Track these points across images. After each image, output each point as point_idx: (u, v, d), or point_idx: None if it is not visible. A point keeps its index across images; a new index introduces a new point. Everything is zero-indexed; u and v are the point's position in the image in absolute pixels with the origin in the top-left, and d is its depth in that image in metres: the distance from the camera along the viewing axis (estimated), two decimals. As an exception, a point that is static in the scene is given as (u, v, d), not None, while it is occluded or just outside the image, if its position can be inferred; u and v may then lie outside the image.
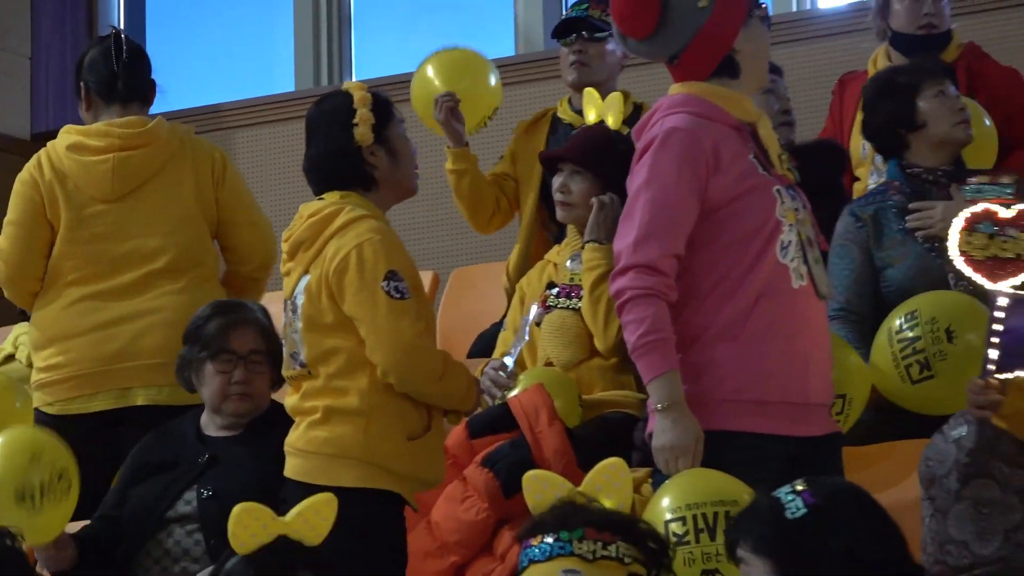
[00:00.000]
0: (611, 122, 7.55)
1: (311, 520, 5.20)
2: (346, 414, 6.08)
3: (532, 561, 4.75)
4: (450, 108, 7.81)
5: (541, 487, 5.01)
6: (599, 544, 4.69)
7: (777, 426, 5.44)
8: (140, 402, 7.42)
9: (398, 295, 5.99)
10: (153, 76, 8.06)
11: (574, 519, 4.75)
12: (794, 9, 9.94)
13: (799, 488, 4.47)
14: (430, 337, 6.18)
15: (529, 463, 6.47)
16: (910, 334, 6.37)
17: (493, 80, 7.62)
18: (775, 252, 5.47)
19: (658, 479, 5.55)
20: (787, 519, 4.39)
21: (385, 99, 6.37)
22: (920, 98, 6.90)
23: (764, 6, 5.74)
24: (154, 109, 10.21)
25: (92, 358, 7.54)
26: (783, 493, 4.47)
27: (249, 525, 5.07)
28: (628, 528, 4.79)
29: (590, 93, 7.73)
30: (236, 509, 5.10)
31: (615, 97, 7.61)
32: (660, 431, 5.27)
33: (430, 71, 7.51)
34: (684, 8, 5.55)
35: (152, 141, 7.69)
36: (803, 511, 4.40)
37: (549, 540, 4.72)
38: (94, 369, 7.53)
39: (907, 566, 4.50)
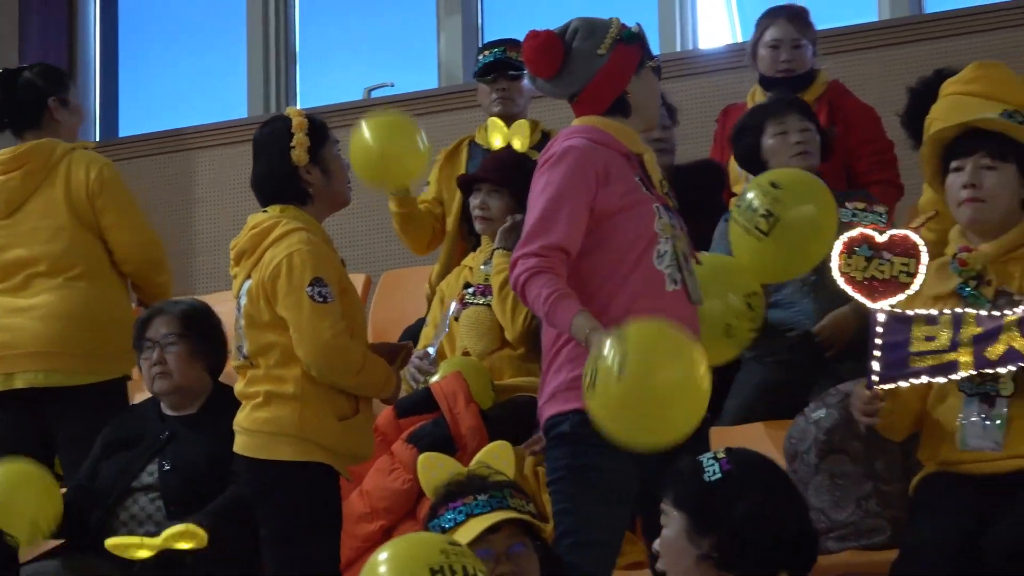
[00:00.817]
0: (517, 146, 7.63)
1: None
2: (283, 398, 6.07)
3: (470, 515, 4.72)
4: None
5: (436, 467, 5.06)
6: (523, 501, 4.76)
7: None
8: (19, 385, 7.40)
9: (320, 299, 5.98)
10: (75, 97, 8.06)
11: (492, 484, 4.78)
12: (678, 49, 9.94)
13: (719, 455, 4.46)
14: (351, 336, 6.17)
15: (448, 440, 6.54)
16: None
17: (422, 145, 7.57)
18: (652, 259, 5.48)
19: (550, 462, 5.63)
20: (704, 480, 4.38)
21: (320, 123, 6.36)
22: (764, 136, 6.95)
23: (656, 58, 5.80)
24: (128, 130, 10.23)
25: None
26: (705, 458, 4.46)
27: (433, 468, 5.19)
28: (526, 496, 4.85)
29: (494, 123, 7.82)
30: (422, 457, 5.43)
31: (521, 124, 7.68)
32: (596, 347, 5.10)
33: (367, 133, 7.44)
34: (584, 55, 5.58)
35: (23, 164, 7.62)
36: (719, 475, 4.39)
37: (484, 497, 4.72)
38: None
39: (804, 531, 4.53)
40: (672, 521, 4.42)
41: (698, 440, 5.24)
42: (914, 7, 9.61)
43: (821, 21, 8.85)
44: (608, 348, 4.86)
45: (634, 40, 5.65)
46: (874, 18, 9.93)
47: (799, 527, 4.48)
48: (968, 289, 5.50)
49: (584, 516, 5.49)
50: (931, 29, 8.79)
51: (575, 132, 5.66)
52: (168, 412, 6.92)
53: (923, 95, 6.87)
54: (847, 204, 6.53)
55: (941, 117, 6.53)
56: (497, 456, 5.10)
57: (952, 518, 5.34)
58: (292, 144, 6.20)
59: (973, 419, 5.43)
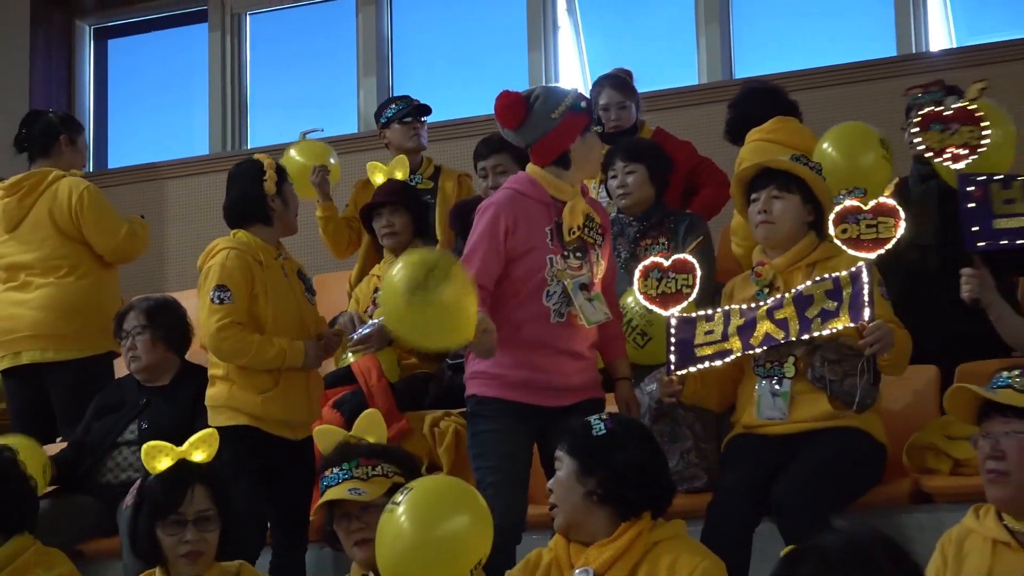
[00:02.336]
0: (399, 176, 7.67)
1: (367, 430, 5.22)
2: (219, 379, 6.14)
3: (328, 487, 4.80)
4: (323, 176, 7.88)
5: (327, 436, 5.06)
6: (369, 467, 4.77)
7: (525, 397, 5.52)
8: (25, 361, 7.44)
9: (217, 301, 6.03)
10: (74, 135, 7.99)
11: (351, 453, 4.83)
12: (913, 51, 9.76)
13: (604, 417, 4.59)
14: (258, 329, 6.12)
15: (364, 405, 6.54)
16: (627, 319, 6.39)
17: (333, 160, 7.62)
18: (542, 297, 5.51)
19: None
20: (593, 435, 4.48)
21: (282, 167, 6.45)
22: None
23: (601, 127, 5.82)
24: (116, 162, 10.12)
25: None
26: (593, 419, 4.58)
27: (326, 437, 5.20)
28: (388, 454, 4.88)
29: (373, 165, 7.78)
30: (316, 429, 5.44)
31: (401, 159, 7.71)
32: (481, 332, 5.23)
33: (294, 152, 7.48)
34: (541, 115, 5.55)
35: (20, 190, 7.65)
36: (603, 431, 4.49)
37: (336, 470, 4.79)
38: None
39: (665, 479, 4.61)
40: (564, 465, 4.51)
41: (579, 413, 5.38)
42: (726, 73, 9.64)
43: (652, 84, 8.92)
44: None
45: (582, 111, 5.64)
46: (695, 81, 10.00)
47: (661, 475, 4.59)
48: (763, 294, 5.59)
49: (488, 467, 5.56)
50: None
51: (513, 181, 5.77)
52: (146, 384, 6.94)
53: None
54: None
55: (747, 159, 6.60)
56: (369, 423, 5.08)
57: (750, 469, 5.43)
58: (264, 177, 6.23)
59: (765, 394, 5.53)
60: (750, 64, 7.95)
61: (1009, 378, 4.10)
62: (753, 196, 5.74)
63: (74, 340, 7.50)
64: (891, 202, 5.33)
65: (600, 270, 5.66)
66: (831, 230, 5.37)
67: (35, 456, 6.51)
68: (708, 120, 8.06)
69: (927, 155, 5.42)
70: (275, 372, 6.16)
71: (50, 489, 6.74)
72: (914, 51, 9.61)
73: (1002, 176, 5.26)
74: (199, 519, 5.12)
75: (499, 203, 5.61)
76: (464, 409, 5.89)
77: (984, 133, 5.25)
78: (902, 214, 5.29)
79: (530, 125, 5.58)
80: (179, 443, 5.56)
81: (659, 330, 6.08)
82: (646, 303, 5.73)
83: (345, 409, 6.67)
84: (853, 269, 5.30)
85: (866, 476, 5.53)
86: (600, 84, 7.97)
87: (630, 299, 6.30)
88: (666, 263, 5.70)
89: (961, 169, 5.29)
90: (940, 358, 6.00)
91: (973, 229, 5.22)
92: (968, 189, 5.23)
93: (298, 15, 11.36)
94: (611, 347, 5.79)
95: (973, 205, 5.21)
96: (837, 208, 5.38)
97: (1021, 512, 4.07)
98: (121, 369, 7.32)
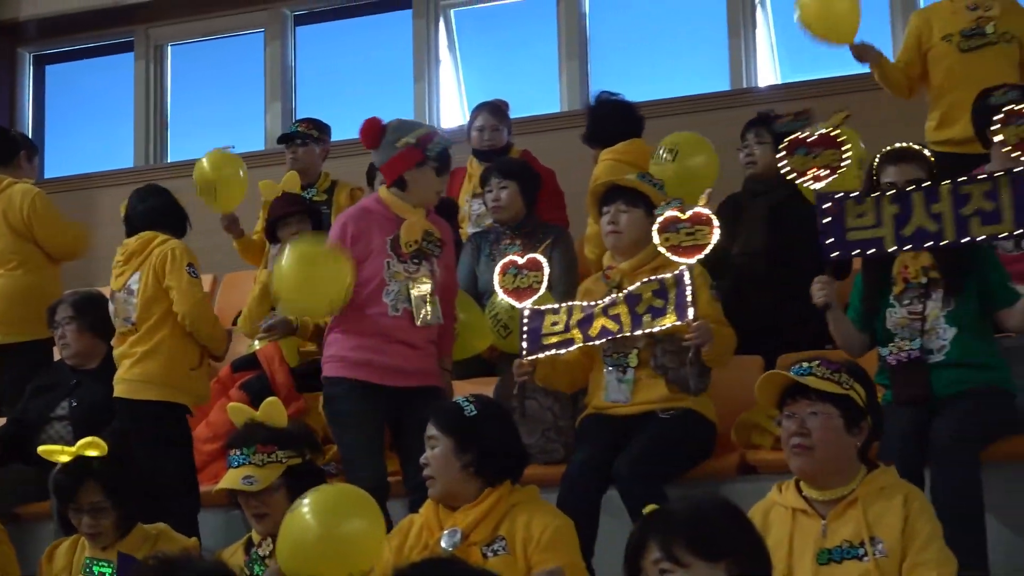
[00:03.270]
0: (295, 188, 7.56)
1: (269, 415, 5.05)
2: (154, 354, 6.09)
3: (229, 467, 4.77)
4: (230, 223, 7.74)
5: (239, 413, 4.98)
6: (265, 454, 4.72)
7: (368, 376, 5.58)
8: None
9: (194, 276, 6.17)
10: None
11: (251, 439, 4.77)
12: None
13: (471, 399, 4.60)
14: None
15: (268, 387, 6.50)
16: (493, 312, 6.45)
17: (242, 172, 7.51)
18: (382, 294, 5.59)
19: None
20: (465, 415, 4.50)
21: None
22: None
23: (443, 161, 5.79)
24: (52, 173, 10.00)
25: None
26: (462, 399, 4.63)
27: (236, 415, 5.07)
28: (286, 438, 4.80)
29: (266, 184, 7.63)
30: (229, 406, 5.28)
31: (292, 175, 7.60)
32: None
33: (206, 164, 7.37)
34: (388, 142, 5.69)
35: None
36: (474, 412, 4.50)
37: (236, 453, 4.74)
38: None
39: (522, 451, 4.69)
40: (440, 443, 4.50)
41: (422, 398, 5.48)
42: (584, 103, 9.62)
43: (520, 111, 8.90)
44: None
45: (418, 147, 5.69)
46: (557, 109, 10.00)
47: (519, 447, 4.68)
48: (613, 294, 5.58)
49: (349, 442, 5.67)
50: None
51: (366, 199, 6.04)
52: (75, 368, 6.85)
53: None
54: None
55: (601, 176, 6.60)
56: (270, 409, 5.02)
57: (599, 445, 5.46)
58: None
59: (612, 380, 5.55)
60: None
61: (810, 367, 4.13)
62: (604, 208, 5.76)
63: (19, 326, 7.39)
64: (706, 211, 5.35)
65: (438, 277, 5.73)
66: (655, 239, 5.39)
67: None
68: (567, 143, 8.04)
69: (790, 176, 5.36)
70: (201, 352, 6.38)
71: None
72: (744, 86, 9.69)
73: (856, 193, 5.26)
74: (92, 509, 5.12)
75: (348, 215, 5.85)
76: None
77: (845, 156, 5.24)
78: (715, 221, 5.32)
79: (381, 149, 5.74)
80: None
81: (518, 325, 6.10)
82: (504, 296, 5.74)
83: (251, 390, 6.58)
84: (677, 272, 5.33)
85: (698, 450, 5.57)
86: (479, 109, 7.99)
87: (500, 298, 6.31)
88: (521, 261, 5.71)
89: (820, 188, 5.27)
90: (763, 348, 6.03)
91: (828, 241, 5.20)
92: (825, 206, 5.20)
93: (213, 46, 11.23)
94: (439, 345, 5.82)
95: (829, 220, 5.18)
96: (659, 219, 5.40)
97: (818, 483, 4.10)
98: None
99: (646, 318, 5.35)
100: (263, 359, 6.75)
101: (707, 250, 5.31)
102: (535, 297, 5.61)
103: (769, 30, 9.93)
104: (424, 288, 5.65)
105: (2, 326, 7.39)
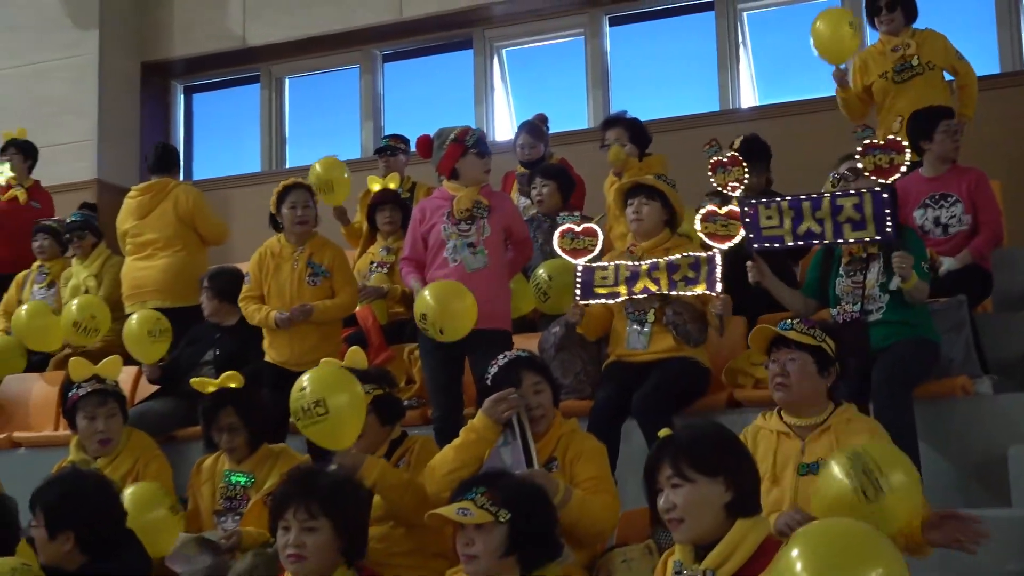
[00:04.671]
0: (392, 186, 7.56)
1: (353, 361, 4.95)
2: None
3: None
4: (340, 215, 7.82)
5: (352, 358, 4.92)
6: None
7: None
8: (149, 307, 7.19)
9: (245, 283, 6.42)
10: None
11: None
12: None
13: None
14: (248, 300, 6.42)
15: (364, 341, 6.45)
16: (535, 283, 6.36)
17: (346, 175, 7.47)
18: (443, 253, 5.60)
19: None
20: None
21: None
22: None
23: (482, 147, 5.75)
24: (198, 176, 9.97)
25: (130, 287, 7.52)
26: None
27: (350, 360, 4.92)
28: (366, 376, 4.67)
29: (373, 178, 7.65)
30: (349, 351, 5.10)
31: (393, 176, 7.67)
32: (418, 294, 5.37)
33: (319, 168, 7.37)
34: (437, 148, 5.75)
35: (148, 192, 7.63)
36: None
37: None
38: (128, 292, 7.51)
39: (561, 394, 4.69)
40: (545, 388, 4.40)
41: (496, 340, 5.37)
42: (599, 120, 9.54)
43: (560, 126, 8.83)
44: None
45: (458, 141, 5.70)
46: (585, 126, 9.92)
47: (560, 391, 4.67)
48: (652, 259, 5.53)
49: (426, 380, 5.75)
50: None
51: (433, 193, 5.96)
52: (218, 324, 6.82)
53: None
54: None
55: (627, 176, 6.51)
56: (354, 357, 4.97)
57: (619, 385, 5.42)
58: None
59: (633, 332, 5.52)
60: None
61: (792, 323, 4.18)
62: (629, 201, 5.73)
63: (182, 295, 7.38)
64: (739, 209, 5.33)
65: (487, 233, 5.67)
66: (696, 226, 5.42)
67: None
68: (593, 152, 7.95)
69: (867, 172, 5.19)
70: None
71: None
72: (731, 107, 9.59)
73: (764, 200, 5.33)
74: (229, 429, 5.17)
75: (420, 205, 5.89)
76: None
77: (905, 157, 5.13)
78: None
79: (434, 155, 5.79)
80: (241, 364, 5.50)
81: (555, 292, 6.18)
82: (564, 255, 5.71)
83: (351, 343, 6.49)
84: (710, 253, 5.38)
85: (696, 389, 5.55)
86: (521, 129, 7.86)
87: (541, 270, 6.28)
88: (578, 228, 5.72)
89: (738, 196, 5.37)
90: (747, 312, 5.98)
91: (750, 236, 5.32)
92: (744, 209, 5.32)
93: (320, 79, 11.18)
94: (511, 266, 5.92)
95: (748, 220, 5.31)
96: (701, 211, 5.43)
97: (794, 411, 4.13)
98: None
99: (680, 284, 5.38)
100: (360, 317, 6.70)
101: (735, 241, 5.35)
102: (588, 257, 5.63)
103: (749, 62, 9.79)
104: (469, 240, 5.64)
105: (168, 295, 7.38)
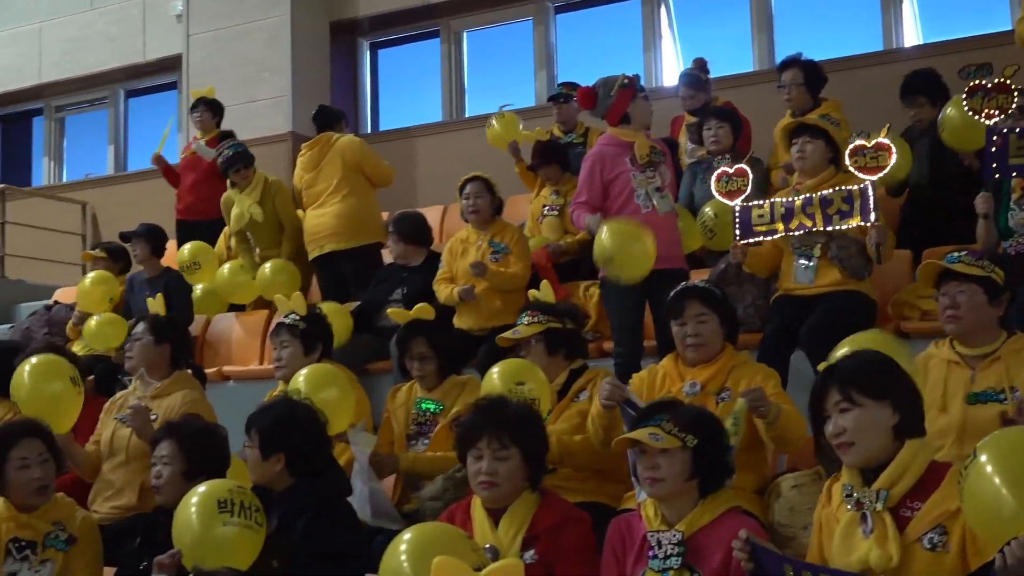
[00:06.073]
0: (552, 135, 7.63)
1: (542, 294, 5.12)
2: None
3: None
4: (514, 150, 7.86)
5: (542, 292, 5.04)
6: (530, 317, 4.85)
7: None
8: (327, 250, 7.43)
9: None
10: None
11: (522, 309, 4.97)
12: (653, 86, 9.77)
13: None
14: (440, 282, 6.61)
15: (536, 278, 6.46)
16: (702, 220, 6.34)
17: (520, 126, 7.57)
18: (633, 198, 5.59)
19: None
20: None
21: None
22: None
23: (644, 90, 5.76)
24: (384, 127, 10.11)
25: (308, 234, 7.67)
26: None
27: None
28: (546, 309, 4.91)
29: (538, 131, 7.71)
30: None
31: (550, 128, 7.81)
32: (596, 229, 5.38)
33: (496, 123, 7.56)
34: (603, 96, 5.70)
35: (316, 146, 7.75)
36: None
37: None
38: (309, 238, 7.64)
39: (738, 328, 4.62)
40: (710, 319, 4.44)
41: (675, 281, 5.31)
42: (770, 63, 9.37)
43: (724, 70, 8.69)
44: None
45: (627, 87, 5.67)
46: (749, 69, 9.75)
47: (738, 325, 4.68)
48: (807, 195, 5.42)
49: (614, 318, 5.74)
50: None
51: (601, 139, 5.93)
52: (404, 265, 6.91)
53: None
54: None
55: (787, 119, 6.42)
56: (543, 291, 5.07)
57: (787, 317, 5.36)
58: None
59: (800, 267, 5.42)
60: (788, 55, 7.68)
61: (959, 256, 4.09)
62: (793, 141, 5.61)
63: (353, 236, 7.51)
64: (886, 140, 5.17)
65: (667, 177, 5.72)
66: (846, 160, 5.25)
67: (339, 313, 6.65)
68: (757, 95, 7.81)
69: (970, 113, 5.10)
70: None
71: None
72: (894, 46, 9.30)
73: (1018, 129, 5.03)
74: (421, 357, 5.29)
75: (592, 158, 5.78)
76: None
77: (1015, 100, 5.01)
78: (893, 148, 5.16)
79: (599, 104, 5.72)
80: (426, 299, 5.62)
81: (721, 229, 6.18)
82: (720, 197, 5.62)
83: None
84: (862, 185, 5.19)
85: (863, 320, 5.32)
86: (680, 80, 7.80)
87: (707, 208, 6.27)
88: (731, 171, 5.60)
89: (990, 124, 5.05)
90: (913, 245, 5.85)
91: (992, 165, 5.01)
92: (993, 138, 5.01)
93: (496, 31, 11.18)
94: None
95: (995, 149, 4.99)
96: (850, 146, 5.25)
97: (966, 342, 4.05)
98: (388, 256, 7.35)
99: (835, 218, 5.24)
100: (534, 257, 6.73)
101: (885, 171, 5.18)
102: (742, 197, 5.51)
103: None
104: (656, 185, 5.66)
105: (341, 236, 7.49)
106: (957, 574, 2.85)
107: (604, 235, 5.24)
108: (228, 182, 7.98)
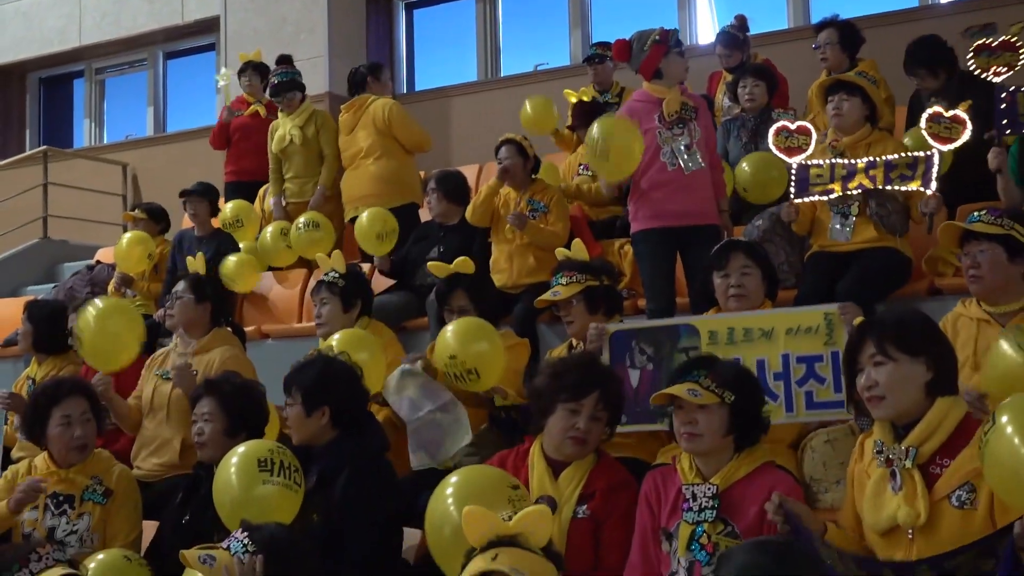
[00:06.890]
0: (586, 98, 7.57)
1: (574, 252, 5.15)
2: None
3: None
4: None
5: (576, 249, 5.06)
6: (568, 277, 4.90)
7: (664, 222, 5.51)
8: (360, 213, 7.27)
9: None
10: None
11: (558, 268, 5.02)
12: (688, 44, 9.68)
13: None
14: None
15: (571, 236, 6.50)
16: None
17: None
18: (660, 155, 5.55)
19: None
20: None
21: None
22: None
23: (681, 45, 5.73)
24: (420, 87, 10.06)
25: (346, 195, 7.75)
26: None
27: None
28: (583, 267, 4.95)
29: (568, 92, 7.71)
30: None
31: (588, 88, 7.78)
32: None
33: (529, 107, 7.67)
34: (637, 51, 5.68)
35: (351, 109, 7.83)
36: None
37: (555, 278, 4.93)
38: (346, 199, 7.73)
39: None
40: (754, 272, 4.55)
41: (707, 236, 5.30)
42: (806, 20, 9.27)
43: (760, 27, 8.60)
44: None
45: (660, 43, 5.64)
46: (785, 26, 9.64)
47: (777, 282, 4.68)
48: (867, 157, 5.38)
49: (646, 275, 5.69)
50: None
51: (633, 96, 5.87)
52: (442, 224, 6.89)
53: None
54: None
55: (822, 77, 6.36)
56: (576, 249, 5.08)
57: (821, 274, 5.35)
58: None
59: (836, 224, 5.39)
60: (823, 12, 7.57)
61: (978, 216, 4.08)
62: (830, 98, 5.56)
63: (386, 197, 7.48)
64: (963, 115, 5.13)
65: (698, 135, 5.65)
66: (922, 124, 5.20)
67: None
68: (793, 52, 7.73)
69: (976, 72, 5.12)
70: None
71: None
72: (929, 2, 9.16)
73: (816, 162, 5.22)
74: (460, 310, 5.31)
75: (624, 110, 5.78)
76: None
77: (1020, 57, 5.00)
78: (969, 125, 5.12)
79: (634, 58, 5.69)
80: (465, 254, 5.66)
81: (755, 185, 6.21)
82: (779, 153, 5.56)
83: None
84: (929, 152, 5.18)
85: (898, 277, 5.40)
86: (717, 39, 7.74)
87: (743, 164, 6.31)
88: (792, 127, 5.55)
89: (998, 82, 5.07)
90: (947, 203, 5.80)
91: (1003, 121, 5.02)
92: (1002, 95, 5.02)
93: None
94: (715, 188, 5.74)
95: (1004, 106, 5.00)
96: (929, 111, 5.22)
97: (990, 300, 4.05)
98: (426, 214, 7.33)
99: (896, 181, 5.20)
100: (572, 216, 6.73)
101: (956, 144, 5.14)
102: (803, 155, 5.47)
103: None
104: (683, 143, 5.60)
105: (378, 199, 7.45)
106: (985, 531, 2.84)
107: (595, 129, 5.37)
108: (278, 110, 8.20)
